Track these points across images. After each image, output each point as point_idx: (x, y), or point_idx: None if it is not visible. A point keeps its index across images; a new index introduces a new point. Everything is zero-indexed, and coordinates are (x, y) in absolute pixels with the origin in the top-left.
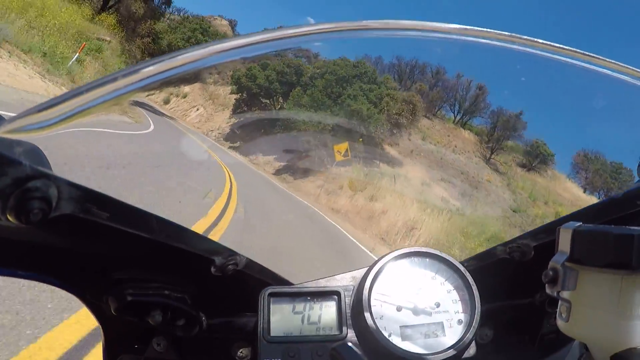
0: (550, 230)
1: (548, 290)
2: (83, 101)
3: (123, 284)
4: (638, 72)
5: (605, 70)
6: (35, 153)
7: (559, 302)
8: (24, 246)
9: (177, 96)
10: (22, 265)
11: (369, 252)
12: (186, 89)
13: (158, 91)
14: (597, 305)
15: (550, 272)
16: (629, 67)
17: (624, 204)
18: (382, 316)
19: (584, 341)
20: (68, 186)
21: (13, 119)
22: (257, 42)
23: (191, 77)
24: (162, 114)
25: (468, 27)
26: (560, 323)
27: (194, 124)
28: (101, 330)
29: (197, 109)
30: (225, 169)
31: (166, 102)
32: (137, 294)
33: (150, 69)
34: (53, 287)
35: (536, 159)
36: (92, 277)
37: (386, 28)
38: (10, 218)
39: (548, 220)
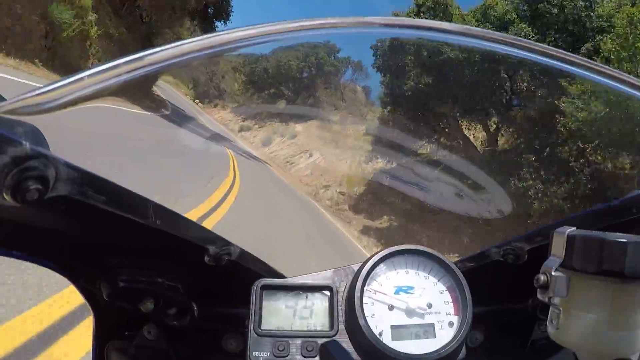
0: (545, 234)
1: (539, 296)
2: (85, 85)
3: (116, 270)
4: (637, 82)
5: (604, 79)
6: (34, 133)
7: (550, 308)
8: (20, 226)
9: (283, 136)
10: (17, 246)
11: None
12: (297, 127)
13: (257, 126)
14: (588, 312)
15: (542, 277)
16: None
17: (620, 212)
18: (374, 314)
19: (573, 349)
20: (66, 168)
21: (14, 99)
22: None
23: (304, 114)
24: (255, 158)
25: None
26: (550, 329)
27: (301, 177)
28: (92, 315)
29: (310, 155)
30: None
31: (266, 143)
32: (130, 280)
33: (156, 56)
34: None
35: None
36: (86, 261)
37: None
38: (6, 197)
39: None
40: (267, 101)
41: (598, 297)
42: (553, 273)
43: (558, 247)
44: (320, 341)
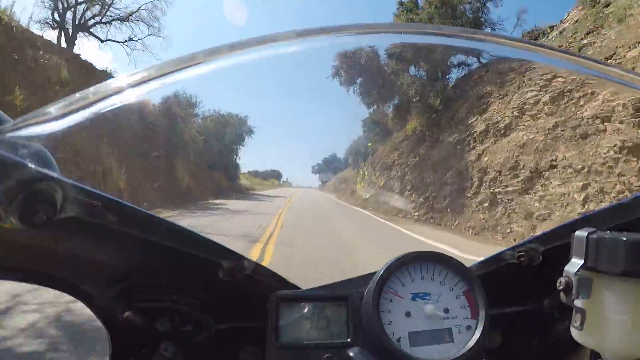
0: (559, 235)
1: (563, 299)
2: (90, 102)
3: (132, 290)
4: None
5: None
6: (41, 155)
7: (574, 310)
8: (30, 250)
9: None
10: (28, 270)
11: None
12: None
13: None
14: (612, 313)
15: (564, 280)
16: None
17: (633, 209)
18: (391, 322)
19: (598, 350)
20: (74, 189)
21: (19, 120)
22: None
23: None
24: None
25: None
26: (574, 331)
27: None
28: (108, 335)
29: None
30: None
31: None
32: (146, 299)
33: (175, 77)
34: None
35: None
36: (99, 282)
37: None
38: (13, 221)
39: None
40: None
41: (621, 297)
42: (576, 275)
43: (579, 249)
44: (339, 351)
